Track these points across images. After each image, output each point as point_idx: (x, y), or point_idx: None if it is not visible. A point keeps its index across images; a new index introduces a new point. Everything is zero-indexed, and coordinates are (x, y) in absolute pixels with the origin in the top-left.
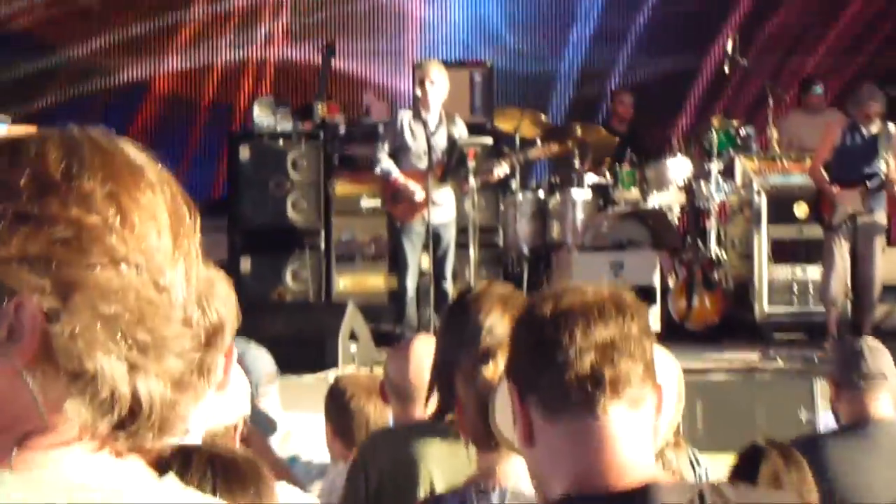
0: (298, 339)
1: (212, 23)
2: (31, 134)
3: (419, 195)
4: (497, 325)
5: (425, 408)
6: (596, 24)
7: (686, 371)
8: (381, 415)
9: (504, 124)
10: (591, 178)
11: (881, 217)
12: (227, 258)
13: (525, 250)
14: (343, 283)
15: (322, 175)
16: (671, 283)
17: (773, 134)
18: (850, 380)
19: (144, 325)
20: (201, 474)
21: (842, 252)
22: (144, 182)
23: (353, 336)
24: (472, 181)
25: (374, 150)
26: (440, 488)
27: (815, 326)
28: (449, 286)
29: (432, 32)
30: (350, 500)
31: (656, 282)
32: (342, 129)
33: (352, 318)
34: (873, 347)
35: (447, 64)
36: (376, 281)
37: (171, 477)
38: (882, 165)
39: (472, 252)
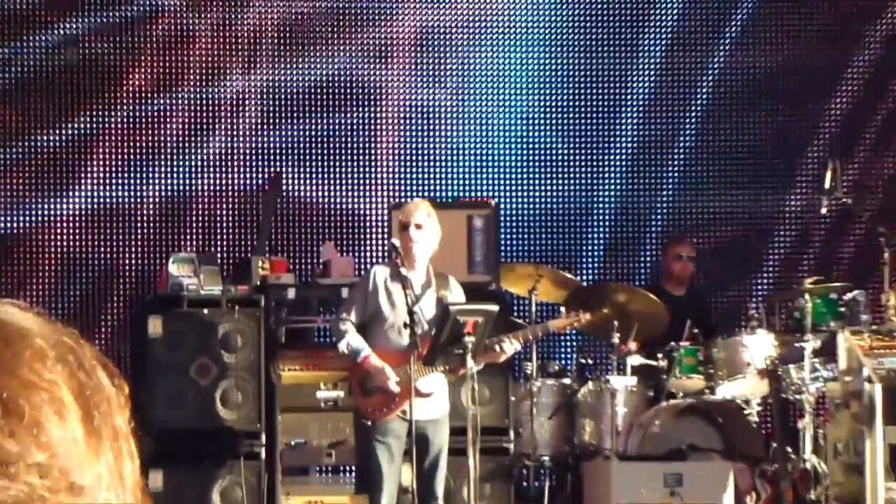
0: None
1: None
2: None
3: (397, 384)
4: None
5: None
6: (637, 147)
7: None
8: None
9: (515, 285)
10: (636, 359)
11: None
12: None
13: (546, 458)
14: None
15: (263, 357)
16: None
17: (891, 300)
18: None
19: None
20: None
21: None
22: (33, 352)
23: None
24: (471, 363)
25: (335, 321)
26: None
27: None
28: None
29: (418, 162)
30: None
31: (729, 503)
32: (291, 294)
33: None
34: None
35: (438, 204)
36: None
37: None
38: None
39: (473, 461)
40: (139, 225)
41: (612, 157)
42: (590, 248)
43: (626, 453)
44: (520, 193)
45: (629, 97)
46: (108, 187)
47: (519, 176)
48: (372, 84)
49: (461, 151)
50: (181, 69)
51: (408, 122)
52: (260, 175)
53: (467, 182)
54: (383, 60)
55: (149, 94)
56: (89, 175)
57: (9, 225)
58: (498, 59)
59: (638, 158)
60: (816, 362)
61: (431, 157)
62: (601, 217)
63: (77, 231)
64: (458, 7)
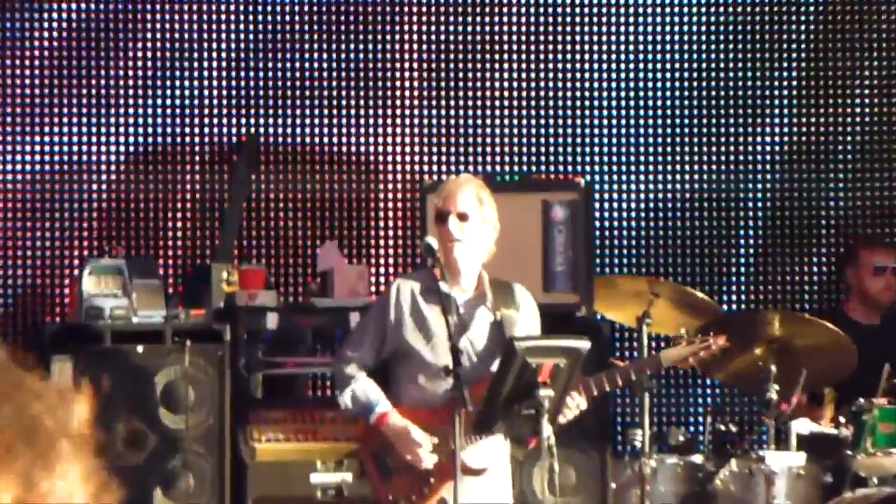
0: None
1: None
2: None
3: (431, 458)
4: None
5: None
6: (797, 126)
7: None
8: None
9: (617, 310)
10: (803, 424)
11: None
12: None
13: None
14: None
15: (227, 420)
16: None
17: None
18: None
19: None
20: None
21: None
22: None
23: None
24: (548, 429)
25: (336, 362)
26: None
27: None
28: None
29: (464, 121)
30: None
31: None
32: (271, 322)
33: None
34: None
35: (497, 182)
36: None
37: None
38: None
39: None
40: (35, 213)
41: (764, 137)
42: (733, 257)
43: None
44: (623, 174)
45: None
46: None
47: (622, 151)
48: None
49: (532, 108)
50: None
51: (446, 58)
52: (227, 132)
53: (541, 153)
54: None
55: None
56: None
57: None
58: None
59: (799, 140)
60: None
61: (484, 114)
62: (749, 214)
63: None
64: None
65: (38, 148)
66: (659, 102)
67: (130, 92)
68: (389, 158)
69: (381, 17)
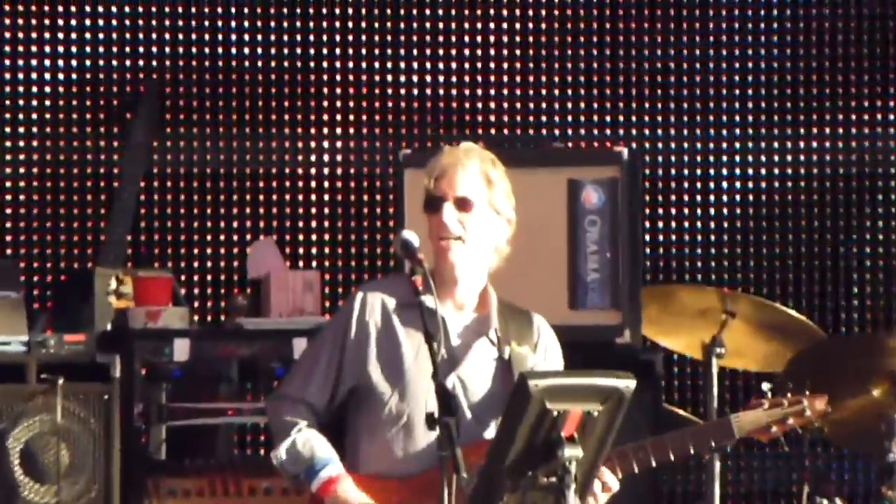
0: None
1: None
2: None
3: None
4: None
5: None
6: None
7: None
8: None
9: (668, 334)
10: None
11: None
12: None
13: None
14: None
15: (117, 489)
16: None
17: None
18: None
19: None
20: None
21: None
22: None
23: None
24: None
25: (272, 404)
26: None
27: None
28: None
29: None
30: None
31: None
32: (180, 351)
33: None
34: None
35: (510, 153)
36: None
37: None
38: None
39: None
40: None
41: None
42: (841, 263)
43: None
44: (681, 144)
45: None
46: None
47: (679, 111)
48: None
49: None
50: None
51: None
52: (117, 82)
53: (567, 112)
54: None
55: None
56: None
57: None
58: None
59: None
60: None
61: (487, 66)
62: (868, 207)
63: None
64: None
65: None
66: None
67: None
68: (352, 119)
69: None
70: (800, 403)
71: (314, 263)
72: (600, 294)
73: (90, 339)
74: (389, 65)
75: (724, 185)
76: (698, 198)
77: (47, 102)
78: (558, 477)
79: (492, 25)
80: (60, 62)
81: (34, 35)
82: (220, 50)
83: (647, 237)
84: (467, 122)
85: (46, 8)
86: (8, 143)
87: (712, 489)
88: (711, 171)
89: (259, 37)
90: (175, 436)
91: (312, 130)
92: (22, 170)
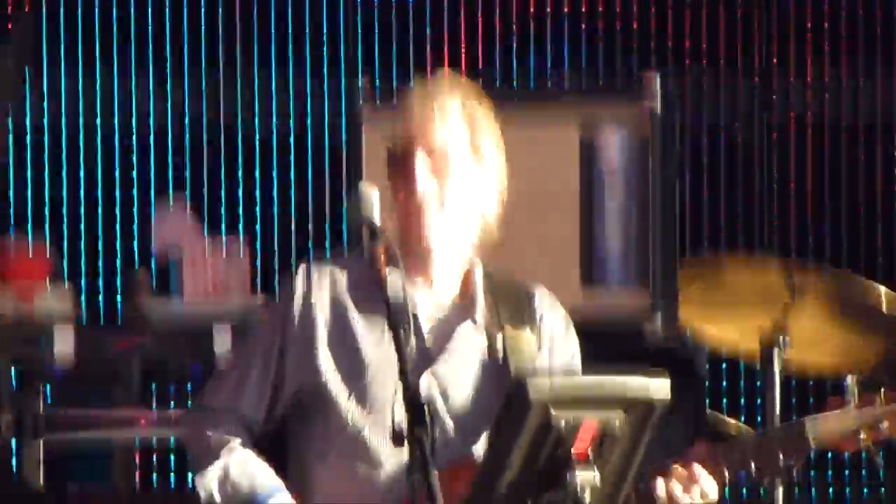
0: None
1: None
2: None
3: None
4: None
5: None
6: None
7: None
8: None
9: (716, 320)
10: None
11: None
12: None
13: None
14: None
15: None
16: None
17: None
18: None
19: None
20: None
21: None
22: None
23: None
24: None
25: (191, 419)
26: None
27: None
28: None
29: None
30: None
31: None
32: (63, 346)
33: None
34: None
35: (504, 95)
36: None
37: None
38: None
39: None
40: None
41: None
42: None
43: None
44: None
45: None
46: None
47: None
48: None
49: None
50: None
51: None
52: None
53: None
54: None
55: None
56: None
57: None
58: None
59: None
60: None
61: None
62: None
63: None
64: None
65: None
66: None
67: None
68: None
69: None
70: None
71: (241, 229)
72: (623, 267)
73: None
74: None
75: (793, 131)
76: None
77: None
78: None
79: None
80: None
81: None
82: None
83: (687, 194)
84: (444, 56)
85: None
86: None
87: None
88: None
89: None
90: (56, 455)
91: (243, 64)
92: None
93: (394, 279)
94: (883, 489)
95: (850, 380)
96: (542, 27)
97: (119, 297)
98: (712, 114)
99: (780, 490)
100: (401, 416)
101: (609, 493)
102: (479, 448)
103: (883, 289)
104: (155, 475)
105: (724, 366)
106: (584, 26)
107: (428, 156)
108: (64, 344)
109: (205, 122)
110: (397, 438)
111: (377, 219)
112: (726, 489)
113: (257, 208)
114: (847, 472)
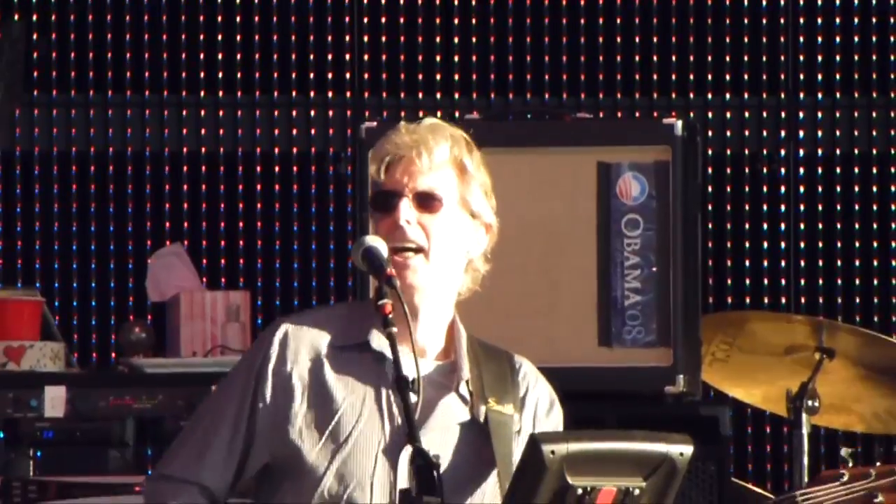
0: None
1: None
2: None
3: None
4: None
5: None
6: None
7: None
8: None
9: (739, 382)
10: None
11: None
12: None
13: None
14: None
15: None
16: None
17: None
18: None
19: None
20: None
21: None
22: None
23: None
24: None
25: (151, 487)
26: None
27: None
28: None
29: None
30: None
31: None
32: (53, 406)
33: None
34: None
35: (506, 129)
36: None
37: None
38: None
39: None
40: None
41: None
42: None
43: None
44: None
45: None
46: None
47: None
48: None
49: None
50: None
51: None
52: None
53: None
54: None
55: None
56: None
57: None
58: None
59: None
60: None
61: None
62: None
63: None
64: None
65: None
66: None
67: None
68: (294, 81)
69: None
70: (894, 474)
71: (241, 281)
72: (643, 325)
73: None
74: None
75: (818, 170)
76: (781, 190)
77: None
78: None
79: None
80: None
81: None
82: None
83: (710, 244)
84: (452, 85)
85: None
86: None
87: None
88: (801, 152)
89: None
90: None
91: (240, 94)
92: None
93: (375, 346)
94: None
95: (843, 451)
96: (558, 57)
97: (112, 355)
98: (737, 145)
99: None
100: (385, 486)
101: None
102: None
103: None
104: None
105: (748, 429)
106: (602, 57)
107: (414, 203)
108: (55, 404)
109: (205, 159)
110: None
111: (386, 270)
112: None
113: (258, 258)
114: None
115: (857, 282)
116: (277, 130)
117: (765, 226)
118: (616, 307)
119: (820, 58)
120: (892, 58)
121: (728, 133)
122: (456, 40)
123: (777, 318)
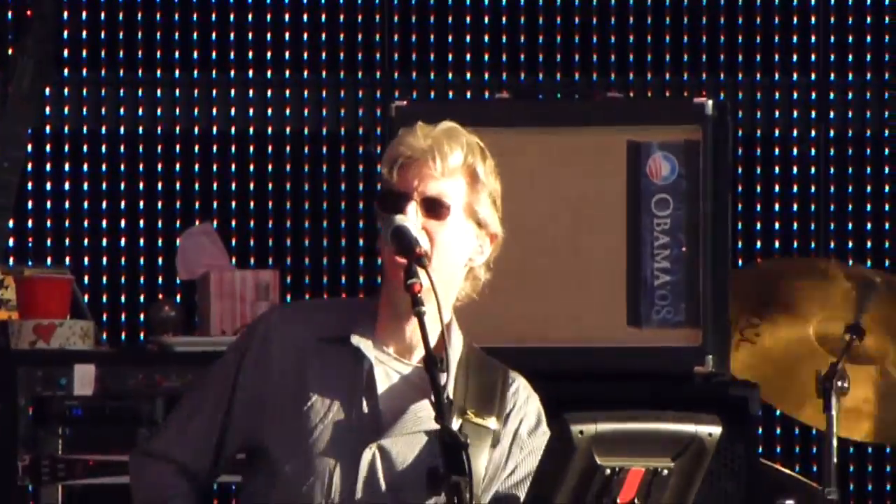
0: None
1: None
2: None
3: None
4: None
5: None
6: None
7: None
8: None
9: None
10: None
11: None
12: None
13: None
14: None
15: None
16: None
17: None
18: None
19: None
20: None
21: None
22: None
23: None
24: None
25: (135, 467)
26: None
27: None
28: None
29: None
30: None
31: None
32: (82, 383)
33: None
34: None
35: (542, 105)
36: None
37: None
38: None
39: None
40: None
41: None
42: None
43: None
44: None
45: None
46: None
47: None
48: None
49: None
50: None
51: None
52: None
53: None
54: None
55: None
56: None
57: None
58: None
59: None
60: None
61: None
62: None
63: None
64: None
65: None
66: None
67: None
68: (324, 60)
69: None
70: None
71: (270, 260)
72: (672, 305)
73: None
74: None
75: (848, 151)
76: (811, 171)
77: None
78: None
79: None
80: None
81: None
82: None
83: (740, 224)
84: (482, 65)
85: None
86: None
87: None
88: (831, 133)
89: None
90: (76, 500)
91: (270, 74)
92: None
93: (366, 352)
94: None
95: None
96: (588, 37)
97: (142, 334)
98: (767, 125)
99: None
100: (337, 487)
101: None
102: None
103: None
104: None
105: (777, 410)
106: (632, 37)
107: (421, 208)
108: (84, 383)
109: (234, 138)
110: (433, 482)
111: (416, 249)
112: None
113: (286, 237)
114: None
115: (888, 264)
116: (307, 110)
117: (795, 207)
118: (645, 287)
119: (850, 38)
120: None
121: (758, 114)
122: (486, 20)
123: (810, 263)
